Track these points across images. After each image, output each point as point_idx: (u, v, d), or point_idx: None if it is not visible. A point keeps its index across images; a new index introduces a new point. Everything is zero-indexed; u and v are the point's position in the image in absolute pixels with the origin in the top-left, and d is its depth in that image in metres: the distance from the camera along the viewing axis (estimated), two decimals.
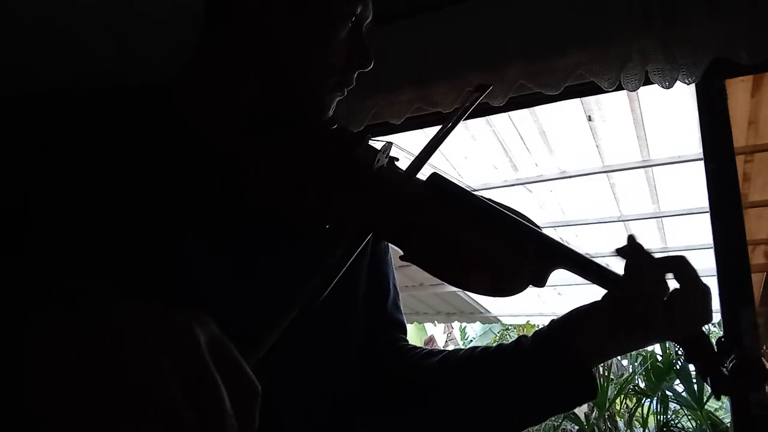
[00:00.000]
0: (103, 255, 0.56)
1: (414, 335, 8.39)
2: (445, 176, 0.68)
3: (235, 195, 0.63)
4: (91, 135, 0.60)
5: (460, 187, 0.68)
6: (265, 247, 0.65)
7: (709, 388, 0.60)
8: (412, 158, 0.65)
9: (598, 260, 0.65)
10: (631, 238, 0.63)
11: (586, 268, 0.63)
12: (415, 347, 0.79)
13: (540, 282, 0.63)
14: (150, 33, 1.51)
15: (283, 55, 0.67)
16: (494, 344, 0.74)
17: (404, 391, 0.74)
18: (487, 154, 3.15)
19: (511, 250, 0.63)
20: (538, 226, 0.66)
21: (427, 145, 0.66)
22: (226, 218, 0.63)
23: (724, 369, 0.58)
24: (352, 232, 0.55)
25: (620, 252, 0.63)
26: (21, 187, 0.57)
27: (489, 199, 0.68)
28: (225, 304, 0.59)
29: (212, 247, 0.61)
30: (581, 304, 0.67)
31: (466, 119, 0.72)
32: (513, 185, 3.48)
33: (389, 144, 0.68)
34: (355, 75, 0.72)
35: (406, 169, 0.64)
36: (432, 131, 3.00)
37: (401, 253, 0.64)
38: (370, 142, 0.68)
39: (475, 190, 3.52)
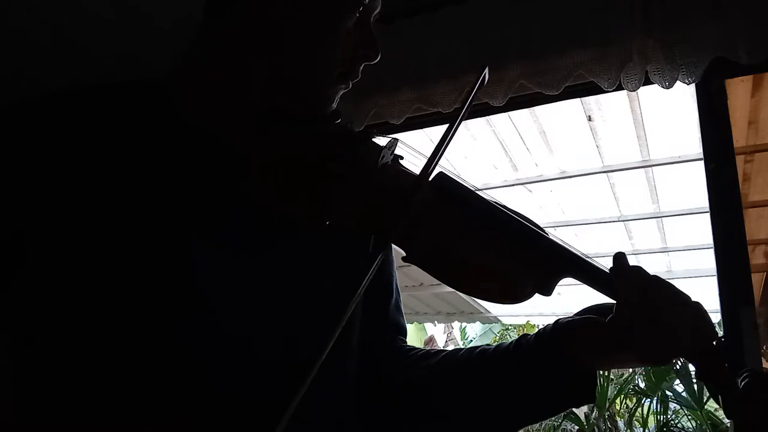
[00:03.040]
0: (110, 254, 0.56)
1: (414, 335, 8.39)
2: (452, 176, 0.66)
3: (237, 188, 0.63)
4: (89, 134, 0.60)
5: (468, 188, 0.66)
6: (267, 241, 0.64)
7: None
8: (420, 156, 0.63)
9: (598, 260, 0.65)
10: (618, 258, 0.62)
11: (594, 278, 0.61)
12: (412, 348, 0.77)
13: (547, 291, 0.62)
14: (158, 41, 1.51)
15: (289, 46, 0.66)
16: (493, 344, 0.72)
17: (403, 394, 0.73)
18: (487, 154, 3.15)
19: (520, 256, 0.61)
20: (545, 231, 0.65)
21: (443, 135, 0.63)
22: (228, 212, 0.62)
23: (738, 387, 0.54)
24: (357, 232, 0.54)
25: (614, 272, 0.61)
26: (24, 193, 0.57)
27: (497, 202, 0.66)
28: (228, 301, 0.59)
29: (216, 243, 0.60)
30: (588, 305, 0.66)
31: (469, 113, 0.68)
32: (513, 185, 3.48)
33: (395, 140, 0.66)
34: (361, 67, 0.70)
35: (424, 165, 0.62)
36: (432, 131, 3.00)
37: (404, 254, 0.63)
38: (375, 140, 0.67)
39: (475, 191, 3.53)
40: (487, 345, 0.73)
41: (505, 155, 3.14)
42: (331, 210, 0.62)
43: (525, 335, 0.69)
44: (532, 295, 0.62)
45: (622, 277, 0.61)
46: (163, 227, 0.58)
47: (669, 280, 0.61)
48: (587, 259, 0.63)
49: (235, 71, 0.67)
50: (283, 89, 0.67)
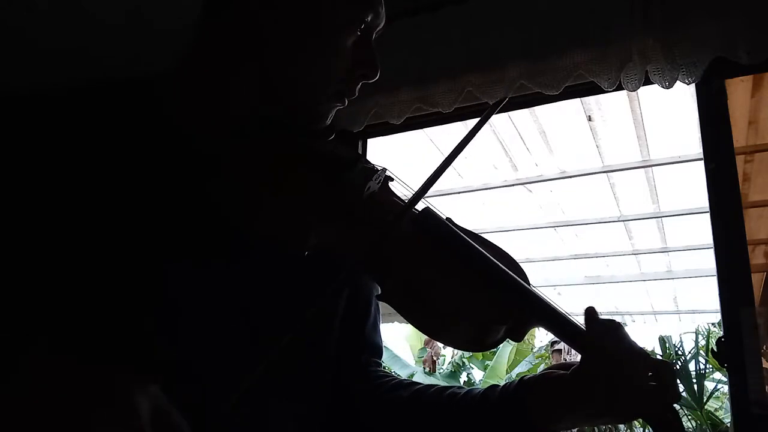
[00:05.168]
0: (85, 260, 0.55)
1: (414, 335, 8.39)
2: (437, 213, 0.64)
3: (215, 201, 0.61)
4: (71, 137, 0.59)
5: (451, 227, 0.64)
6: (240, 249, 0.62)
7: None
8: (412, 186, 0.61)
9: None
10: (589, 313, 0.61)
11: (564, 331, 0.60)
12: (386, 374, 0.76)
13: (518, 337, 0.61)
14: (159, 43, 1.51)
15: (283, 59, 0.63)
16: (463, 388, 0.71)
17: (367, 418, 0.73)
18: (487, 154, 3.15)
19: (495, 305, 0.60)
20: (524, 275, 0.63)
21: (438, 167, 0.60)
22: (205, 223, 0.60)
23: None
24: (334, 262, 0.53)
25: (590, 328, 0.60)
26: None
27: (481, 241, 0.64)
28: (199, 309, 0.58)
29: (188, 249, 0.59)
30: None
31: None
32: (513, 185, 3.49)
33: (383, 170, 0.64)
34: (358, 86, 0.67)
35: (408, 200, 0.60)
36: (432, 131, 2.97)
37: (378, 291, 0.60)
38: (364, 166, 0.64)
39: (475, 191, 3.53)
40: (459, 387, 0.72)
41: (505, 155, 3.15)
42: (303, 231, 0.59)
43: (494, 386, 0.68)
44: (502, 342, 0.61)
45: (594, 336, 0.59)
46: (133, 230, 0.57)
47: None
48: (562, 311, 0.61)
49: (221, 73, 0.65)
50: (272, 98, 0.65)
